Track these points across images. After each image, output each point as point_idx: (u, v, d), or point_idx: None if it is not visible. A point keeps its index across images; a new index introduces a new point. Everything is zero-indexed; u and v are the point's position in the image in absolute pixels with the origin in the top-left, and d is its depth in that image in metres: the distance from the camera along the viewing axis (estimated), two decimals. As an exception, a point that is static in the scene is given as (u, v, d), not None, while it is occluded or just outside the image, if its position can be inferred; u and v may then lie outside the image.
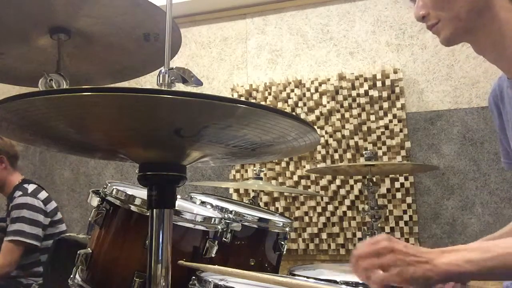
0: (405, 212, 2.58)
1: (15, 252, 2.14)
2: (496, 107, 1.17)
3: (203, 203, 1.51)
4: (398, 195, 2.59)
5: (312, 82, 2.82)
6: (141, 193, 1.19)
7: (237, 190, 2.85)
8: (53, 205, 2.37)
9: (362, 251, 0.80)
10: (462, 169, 2.58)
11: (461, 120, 2.62)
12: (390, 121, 2.66)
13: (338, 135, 2.73)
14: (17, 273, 2.22)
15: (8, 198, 2.34)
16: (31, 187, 2.32)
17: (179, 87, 0.85)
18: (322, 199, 2.71)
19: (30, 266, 2.24)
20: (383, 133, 2.66)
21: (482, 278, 0.79)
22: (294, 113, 2.78)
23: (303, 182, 2.76)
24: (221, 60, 3.15)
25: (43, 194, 2.34)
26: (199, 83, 0.88)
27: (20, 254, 2.15)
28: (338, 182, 2.69)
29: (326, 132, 2.75)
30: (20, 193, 2.26)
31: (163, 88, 0.85)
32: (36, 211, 2.23)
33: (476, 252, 0.75)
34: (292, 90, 2.85)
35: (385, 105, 2.68)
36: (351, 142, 2.69)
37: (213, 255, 1.24)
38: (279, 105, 2.85)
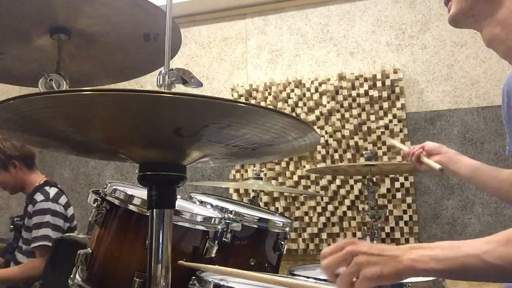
0: (405, 212, 2.58)
1: (45, 257, 2.10)
2: (507, 96, 1.15)
3: (203, 203, 1.51)
4: (398, 195, 2.59)
5: (312, 82, 2.82)
6: (141, 193, 1.19)
7: (237, 190, 2.85)
8: (71, 210, 2.34)
9: (327, 260, 0.77)
10: (462, 169, 2.57)
11: (461, 120, 2.62)
12: (390, 121, 2.66)
13: (338, 135, 2.73)
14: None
15: (27, 198, 2.31)
16: (52, 191, 2.27)
17: (179, 88, 0.85)
18: (322, 199, 2.71)
19: None
20: (383, 133, 2.66)
21: (448, 276, 0.78)
22: (294, 113, 2.79)
23: (303, 182, 2.76)
24: (221, 60, 3.15)
25: (63, 199, 2.30)
26: (199, 84, 0.87)
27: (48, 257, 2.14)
28: (338, 182, 2.69)
29: (326, 132, 2.75)
30: (42, 197, 2.22)
31: (162, 89, 0.85)
32: (58, 217, 2.21)
33: (445, 250, 0.73)
34: (292, 90, 2.85)
35: (385, 105, 2.68)
36: (351, 142, 2.69)
37: (213, 255, 1.24)
38: (279, 105, 2.85)
